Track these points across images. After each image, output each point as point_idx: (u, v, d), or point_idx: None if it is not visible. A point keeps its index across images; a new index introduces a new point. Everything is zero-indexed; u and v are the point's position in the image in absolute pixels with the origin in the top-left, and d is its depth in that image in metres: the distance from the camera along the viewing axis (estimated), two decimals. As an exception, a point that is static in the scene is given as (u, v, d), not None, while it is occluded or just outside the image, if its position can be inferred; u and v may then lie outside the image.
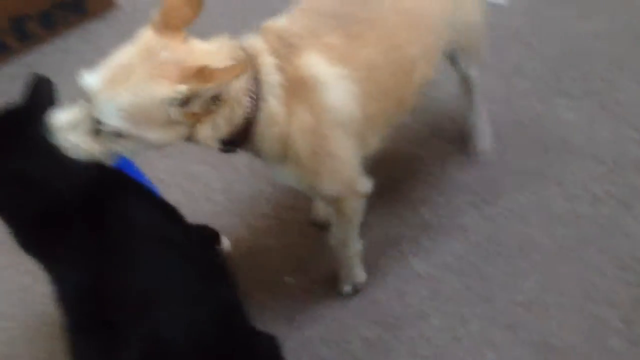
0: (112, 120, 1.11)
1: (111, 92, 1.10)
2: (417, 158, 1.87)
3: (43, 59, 2.18)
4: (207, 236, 1.62)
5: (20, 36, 2.19)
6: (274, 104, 1.23)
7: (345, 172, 1.38)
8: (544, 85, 2.00)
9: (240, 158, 1.45)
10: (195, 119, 1.14)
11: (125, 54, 1.14)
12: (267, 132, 1.25)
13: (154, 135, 1.14)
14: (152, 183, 1.48)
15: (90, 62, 2.09)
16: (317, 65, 1.26)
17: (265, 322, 1.52)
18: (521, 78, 2.02)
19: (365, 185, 1.43)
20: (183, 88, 1.09)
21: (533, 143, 1.88)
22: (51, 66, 2.16)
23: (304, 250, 1.73)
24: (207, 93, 1.11)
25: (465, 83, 1.76)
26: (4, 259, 1.75)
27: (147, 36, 1.15)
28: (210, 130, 1.18)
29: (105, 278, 1.19)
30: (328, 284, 1.66)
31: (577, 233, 1.69)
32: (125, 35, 2.01)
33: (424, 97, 1.90)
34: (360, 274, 1.64)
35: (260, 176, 1.85)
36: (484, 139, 1.86)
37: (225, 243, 1.69)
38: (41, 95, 1.27)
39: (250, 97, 1.20)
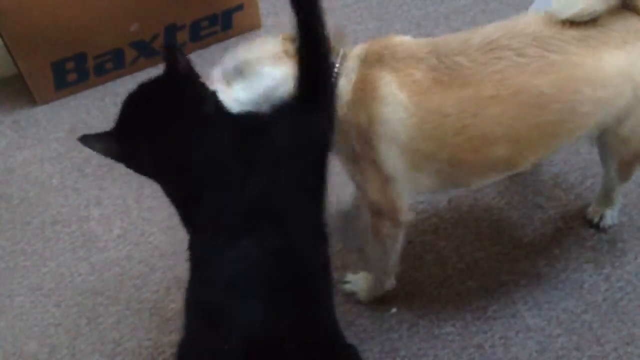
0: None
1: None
2: (537, 206, 1.82)
3: (187, 68, 2.31)
4: None
5: (169, 44, 2.32)
6: (343, 81, 1.39)
7: (388, 189, 1.43)
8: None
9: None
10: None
11: None
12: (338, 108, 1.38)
13: (267, 68, 1.38)
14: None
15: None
16: (387, 82, 1.36)
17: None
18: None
19: (406, 215, 1.49)
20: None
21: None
22: (194, 75, 2.28)
23: (412, 278, 1.72)
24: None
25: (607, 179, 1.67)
26: (124, 250, 1.86)
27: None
28: None
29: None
30: (432, 321, 1.65)
31: None
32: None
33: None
34: (387, 284, 1.66)
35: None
36: (611, 215, 1.75)
37: None
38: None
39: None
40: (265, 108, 1.34)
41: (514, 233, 1.78)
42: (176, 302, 1.72)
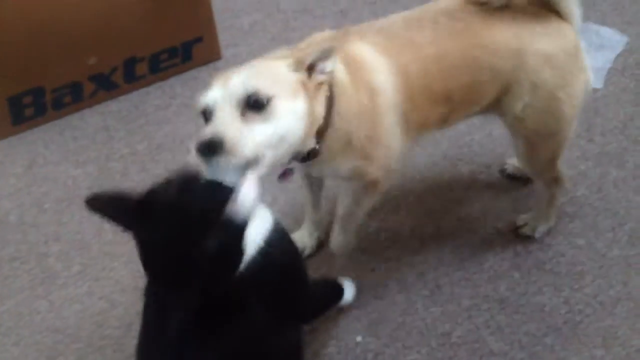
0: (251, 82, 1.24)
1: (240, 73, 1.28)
2: (496, 232, 1.85)
3: (148, 100, 2.30)
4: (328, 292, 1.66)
5: (128, 76, 2.31)
6: (340, 76, 1.37)
7: (391, 160, 1.49)
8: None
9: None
10: (309, 90, 1.29)
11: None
12: (341, 109, 1.36)
13: (288, 105, 1.26)
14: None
15: (192, 108, 2.22)
16: (366, 51, 1.42)
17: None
18: (618, 167, 1.97)
19: (395, 169, 1.53)
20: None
21: (624, 233, 1.82)
22: (155, 108, 2.27)
23: (377, 307, 1.72)
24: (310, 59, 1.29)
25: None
26: (84, 286, 1.83)
27: None
28: (319, 107, 1.32)
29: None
30: (397, 349, 1.65)
31: (664, 328, 1.62)
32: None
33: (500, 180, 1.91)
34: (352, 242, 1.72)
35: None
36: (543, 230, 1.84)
37: (348, 296, 1.70)
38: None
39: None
40: (280, 154, 1.24)
41: (475, 258, 1.80)
42: (139, 337, 1.69)
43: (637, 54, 2.23)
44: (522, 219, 1.84)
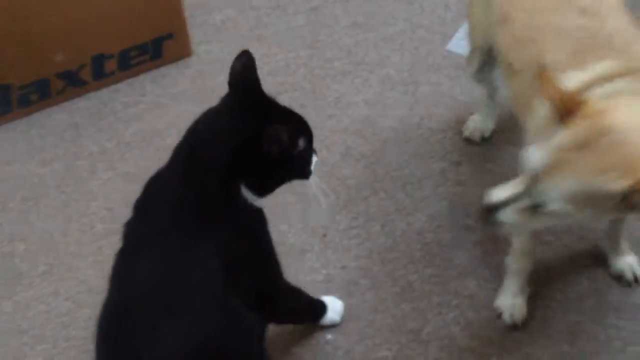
0: (555, 205, 1.17)
1: (557, 178, 1.16)
2: (467, 229, 1.85)
3: (117, 98, 2.27)
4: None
5: (97, 73, 2.28)
6: None
7: None
8: None
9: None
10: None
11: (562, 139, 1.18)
12: None
13: (584, 216, 1.22)
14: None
15: (163, 106, 2.20)
16: None
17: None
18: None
19: None
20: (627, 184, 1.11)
21: (590, 229, 1.83)
22: (124, 105, 2.25)
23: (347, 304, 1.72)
24: None
25: None
26: (50, 286, 1.80)
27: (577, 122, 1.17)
28: None
29: None
30: (367, 346, 1.65)
31: (634, 325, 1.64)
32: (197, 83, 2.08)
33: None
34: None
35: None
36: None
37: (330, 316, 1.66)
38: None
39: None
40: None
41: (445, 255, 1.81)
42: (106, 337, 1.67)
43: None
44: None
